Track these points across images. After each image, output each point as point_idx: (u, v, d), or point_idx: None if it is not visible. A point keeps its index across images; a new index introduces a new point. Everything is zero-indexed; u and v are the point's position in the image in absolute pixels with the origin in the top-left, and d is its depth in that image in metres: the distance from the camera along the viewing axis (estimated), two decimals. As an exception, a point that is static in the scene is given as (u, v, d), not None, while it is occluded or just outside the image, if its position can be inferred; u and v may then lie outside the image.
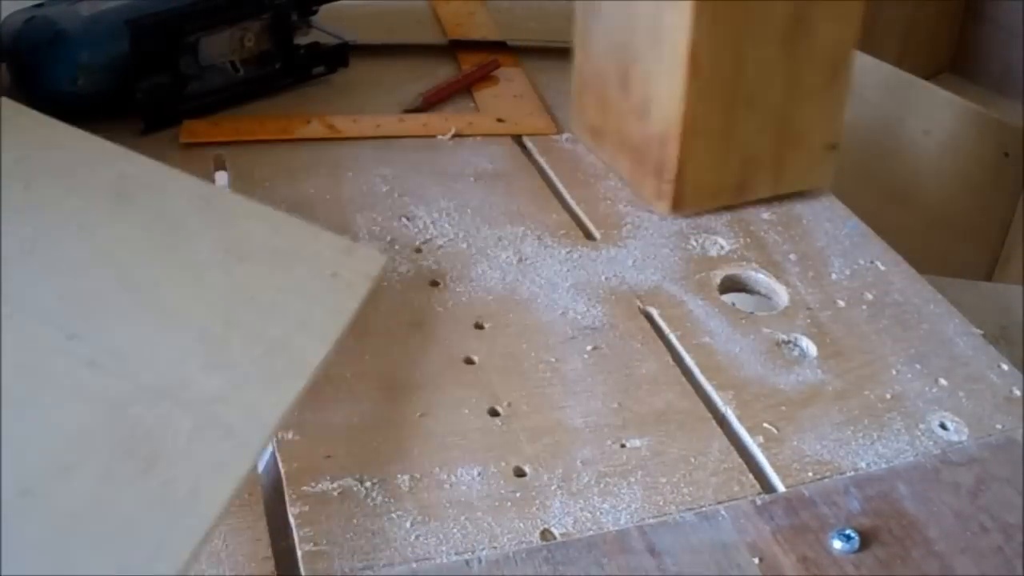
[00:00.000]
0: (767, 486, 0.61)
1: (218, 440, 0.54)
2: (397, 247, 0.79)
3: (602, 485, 0.60)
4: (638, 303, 0.76)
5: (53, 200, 0.68)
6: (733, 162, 0.85)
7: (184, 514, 0.50)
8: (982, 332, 0.75)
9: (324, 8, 1.01)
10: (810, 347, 0.73)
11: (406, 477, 0.59)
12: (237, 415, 0.56)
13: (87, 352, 0.57)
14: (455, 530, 0.56)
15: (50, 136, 0.73)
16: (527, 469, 0.61)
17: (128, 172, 0.71)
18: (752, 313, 0.76)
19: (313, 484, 0.58)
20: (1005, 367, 0.72)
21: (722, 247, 0.83)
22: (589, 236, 0.83)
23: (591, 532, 0.57)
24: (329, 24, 1.03)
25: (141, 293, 0.63)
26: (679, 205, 0.85)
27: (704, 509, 0.59)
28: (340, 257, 0.68)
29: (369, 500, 0.58)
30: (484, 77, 1.05)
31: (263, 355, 0.60)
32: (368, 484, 0.59)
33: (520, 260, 0.79)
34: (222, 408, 0.56)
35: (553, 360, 0.69)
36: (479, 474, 0.60)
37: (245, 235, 0.68)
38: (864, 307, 0.77)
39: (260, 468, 0.60)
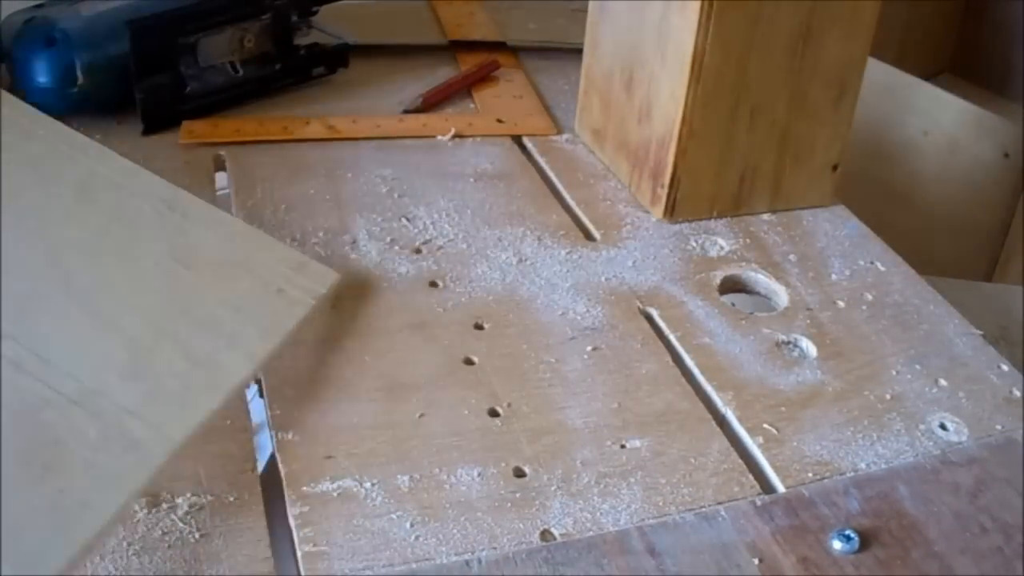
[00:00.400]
0: (767, 487, 0.61)
1: (120, 453, 0.54)
2: (397, 247, 0.79)
3: (602, 486, 0.60)
4: (638, 304, 0.76)
5: (15, 195, 0.68)
6: (731, 173, 0.85)
7: (69, 525, 0.50)
8: (982, 333, 0.75)
9: (324, 8, 1.01)
10: (810, 348, 0.73)
11: (406, 477, 0.59)
12: (144, 429, 0.56)
13: (15, 353, 0.58)
14: (455, 530, 0.56)
15: (28, 127, 0.73)
16: (527, 469, 0.61)
17: (96, 170, 0.71)
18: (752, 314, 0.76)
19: (313, 484, 0.58)
20: (1005, 368, 0.72)
21: (722, 248, 0.83)
22: (589, 237, 0.84)
23: (591, 533, 0.57)
24: (329, 24, 1.03)
25: (81, 297, 0.63)
26: (674, 211, 0.85)
27: (704, 510, 0.59)
28: (290, 273, 0.68)
29: (369, 501, 0.58)
30: (484, 77, 1.05)
31: (186, 370, 0.60)
32: (368, 484, 0.59)
33: (520, 261, 0.79)
34: (131, 421, 0.56)
35: (553, 361, 0.69)
36: (479, 474, 0.60)
37: (198, 243, 0.68)
38: (864, 308, 0.77)
39: (260, 468, 0.60)
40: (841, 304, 0.78)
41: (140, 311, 0.63)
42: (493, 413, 0.65)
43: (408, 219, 0.83)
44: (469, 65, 1.07)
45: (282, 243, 0.71)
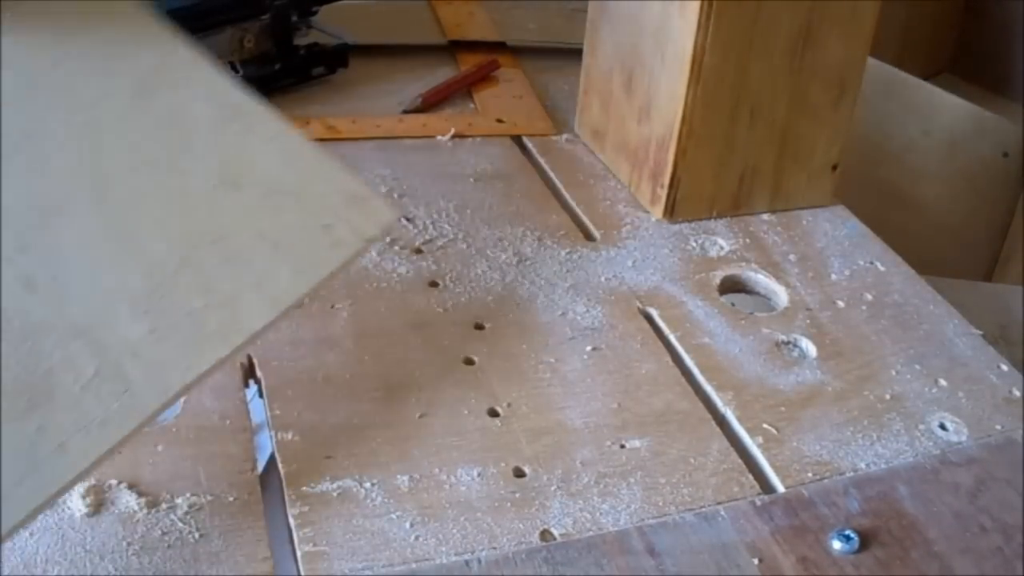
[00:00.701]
0: (767, 487, 0.61)
1: (111, 395, 0.51)
2: (397, 247, 0.79)
3: (602, 486, 0.60)
4: (638, 304, 0.76)
5: (72, 86, 0.61)
6: (731, 173, 0.85)
7: (42, 468, 0.48)
8: (982, 333, 0.75)
9: (324, 8, 1.01)
10: (810, 348, 0.73)
11: (406, 477, 0.59)
12: (142, 372, 0.52)
13: (29, 269, 0.53)
14: (455, 531, 0.56)
15: (104, 8, 0.66)
16: (527, 470, 0.61)
17: (164, 64, 0.64)
18: (752, 314, 0.76)
19: (313, 484, 0.58)
20: (1005, 368, 0.72)
21: (722, 248, 0.83)
22: (589, 237, 0.84)
23: (591, 533, 0.57)
24: (329, 24, 1.03)
25: (112, 209, 0.57)
26: (673, 212, 0.85)
27: (704, 510, 0.59)
28: (343, 207, 0.61)
29: (369, 501, 0.58)
30: (483, 78, 1.05)
31: (201, 310, 0.55)
32: (368, 484, 0.59)
33: (520, 261, 0.79)
34: (130, 361, 0.52)
35: (553, 361, 0.69)
36: (479, 474, 0.60)
37: (252, 161, 0.62)
38: (864, 308, 0.77)
39: (260, 468, 0.60)
40: (841, 304, 0.78)
41: (170, 233, 0.57)
42: (493, 413, 0.65)
43: (408, 219, 0.83)
44: (469, 65, 1.07)
45: (345, 170, 0.63)
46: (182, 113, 0.62)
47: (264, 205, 0.60)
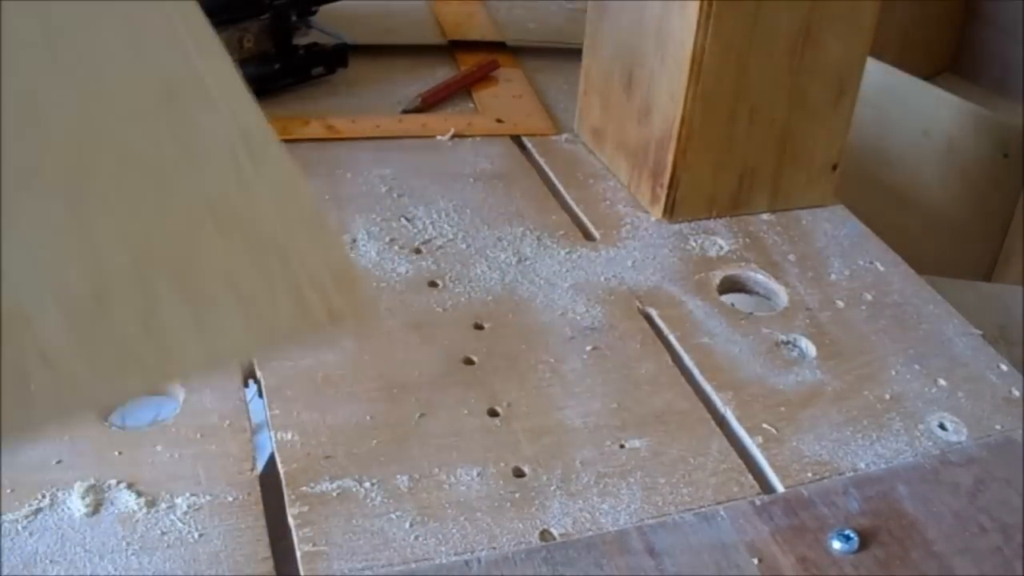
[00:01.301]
0: (766, 486, 0.61)
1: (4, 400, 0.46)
2: (396, 247, 0.79)
3: (601, 485, 0.60)
4: (637, 303, 0.76)
5: (96, 57, 0.54)
6: (731, 173, 0.85)
7: None
8: (981, 332, 0.75)
9: (323, 8, 1.01)
10: (809, 347, 0.73)
11: (405, 477, 0.59)
12: (46, 385, 0.47)
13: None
14: (454, 531, 0.56)
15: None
16: (526, 469, 0.61)
17: (194, 75, 0.56)
18: (751, 314, 0.76)
19: (312, 485, 0.58)
20: (1004, 367, 0.72)
21: (721, 248, 0.83)
22: (588, 236, 0.84)
23: (590, 533, 0.57)
24: (328, 24, 1.03)
25: (83, 201, 0.52)
26: (673, 211, 0.85)
27: (703, 510, 0.59)
28: (325, 279, 0.57)
29: (368, 500, 0.58)
30: (483, 77, 1.05)
31: (134, 337, 0.50)
32: (367, 484, 0.59)
33: (519, 260, 0.79)
34: (38, 368, 0.47)
35: (552, 360, 0.69)
36: (478, 474, 0.60)
37: (249, 203, 0.57)
38: (863, 308, 0.77)
39: (259, 468, 0.60)
40: (840, 304, 0.78)
41: (135, 247, 0.53)
42: (492, 413, 0.65)
43: (407, 219, 0.83)
44: (468, 65, 1.07)
45: (341, 244, 0.60)
46: (197, 130, 0.57)
47: (243, 250, 0.56)
